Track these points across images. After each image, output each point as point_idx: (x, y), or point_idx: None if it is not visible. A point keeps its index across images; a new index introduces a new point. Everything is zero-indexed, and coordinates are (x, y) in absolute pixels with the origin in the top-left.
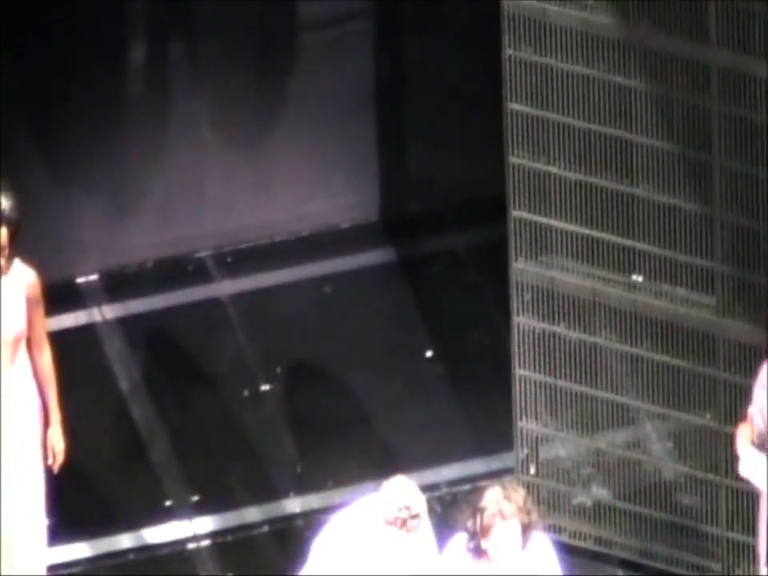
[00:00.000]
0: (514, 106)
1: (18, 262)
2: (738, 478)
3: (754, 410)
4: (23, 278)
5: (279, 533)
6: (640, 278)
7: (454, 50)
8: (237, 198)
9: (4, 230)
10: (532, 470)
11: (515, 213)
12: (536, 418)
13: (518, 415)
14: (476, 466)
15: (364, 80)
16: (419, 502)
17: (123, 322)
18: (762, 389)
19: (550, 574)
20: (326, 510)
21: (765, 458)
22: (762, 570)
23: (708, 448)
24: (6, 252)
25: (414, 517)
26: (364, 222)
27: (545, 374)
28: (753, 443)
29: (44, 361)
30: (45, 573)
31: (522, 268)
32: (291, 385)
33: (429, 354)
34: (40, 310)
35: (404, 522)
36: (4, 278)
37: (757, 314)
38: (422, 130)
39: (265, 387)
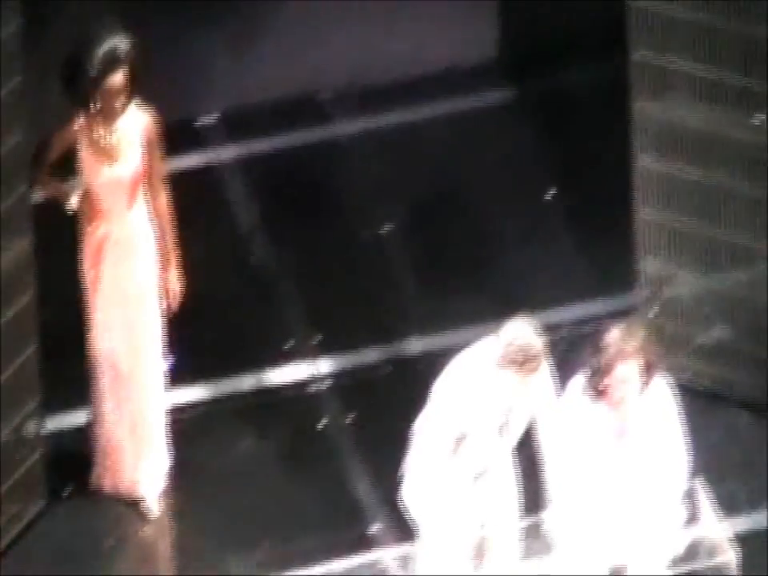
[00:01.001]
0: None
1: (136, 105)
2: None
3: None
4: (141, 120)
5: (400, 374)
6: (762, 118)
7: None
8: (356, 39)
9: (121, 73)
10: (654, 310)
11: (636, 54)
12: (658, 258)
13: (640, 255)
14: (598, 306)
15: None
16: (538, 343)
17: (244, 163)
18: None
19: (668, 417)
20: (447, 352)
21: None
22: None
23: None
24: (124, 94)
25: (533, 357)
26: (484, 62)
27: (667, 213)
28: None
29: (161, 203)
30: (164, 413)
31: (643, 108)
32: (412, 226)
33: (550, 194)
34: (157, 153)
35: (523, 363)
36: (122, 120)
37: None
38: None
39: (386, 228)
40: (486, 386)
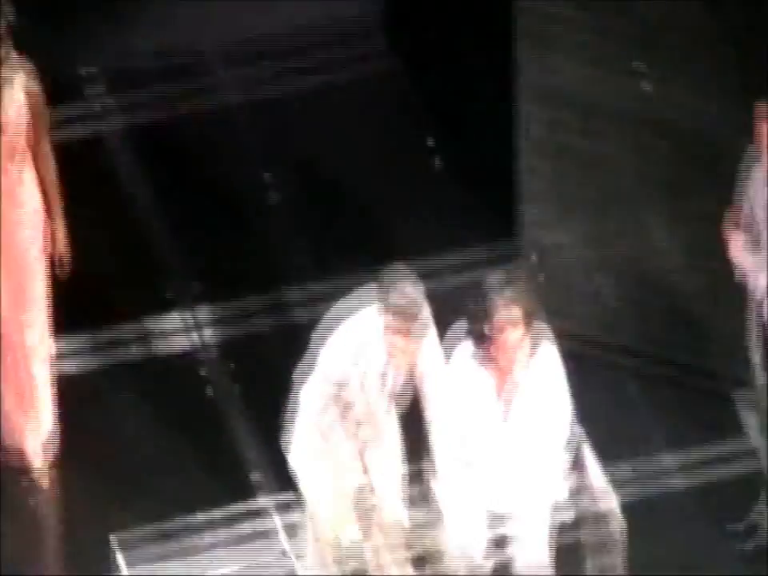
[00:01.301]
0: None
1: (20, 61)
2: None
3: (746, 211)
4: (22, 76)
5: (280, 323)
6: (648, 87)
7: None
8: (245, 4)
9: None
10: (535, 258)
11: (522, 2)
12: (540, 205)
13: (522, 203)
14: (479, 253)
15: None
16: (421, 298)
17: (131, 127)
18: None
19: (550, 365)
20: (328, 300)
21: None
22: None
23: (710, 240)
24: (3, 48)
25: (416, 313)
26: (368, 20)
27: (549, 160)
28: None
29: (47, 168)
30: (51, 379)
31: (525, 52)
32: (293, 176)
33: (431, 143)
34: (43, 118)
35: (405, 319)
36: (5, 84)
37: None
38: None
39: (267, 178)
40: (367, 339)
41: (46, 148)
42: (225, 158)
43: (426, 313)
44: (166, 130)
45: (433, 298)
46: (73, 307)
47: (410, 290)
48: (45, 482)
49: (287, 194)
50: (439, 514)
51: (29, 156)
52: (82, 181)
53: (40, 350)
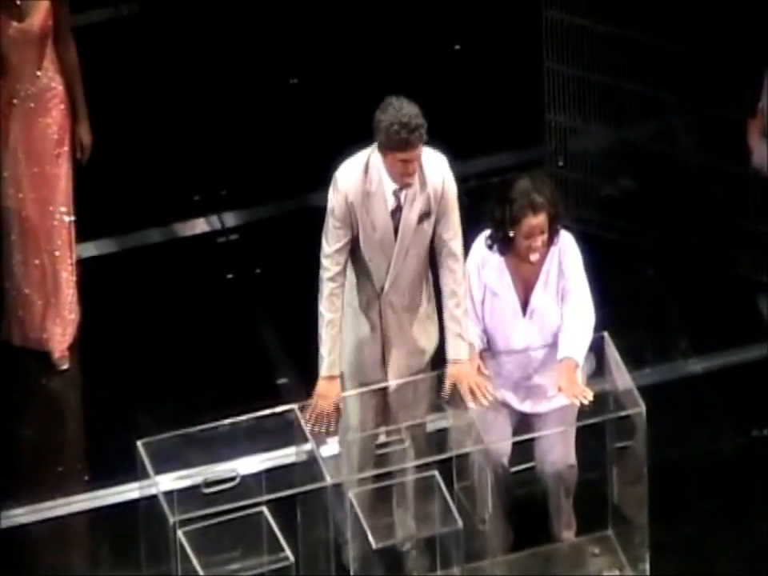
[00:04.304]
0: None
1: None
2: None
3: (765, 102)
4: None
5: (311, 225)
6: None
7: None
8: None
9: None
10: (560, 162)
11: None
12: (565, 110)
13: (548, 108)
14: (505, 158)
15: None
16: (419, 115)
17: (151, 15)
18: None
19: (574, 270)
20: None
21: None
22: None
23: (735, 139)
24: None
25: (415, 129)
26: None
27: (574, 66)
28: (764, 134)
29: (70, 56)
30: (74, 267)
31: None
32: (318, 78)
33: (457, 47)
34: (64, 5)
35: (406, 140)
36: None
37: None
38: None
39: (292, 81)
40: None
41: (69, 38)
42: (250, 61)
43: (424, 122)
44: (189, 27)
45: (460, 202)
46: (99, 209)
47: (407, 104)
48: (65, 365)
49: (313, 96)
50: (465, 419)
51: (54, 47)
52: (107, 75)
53: (63, 237)
